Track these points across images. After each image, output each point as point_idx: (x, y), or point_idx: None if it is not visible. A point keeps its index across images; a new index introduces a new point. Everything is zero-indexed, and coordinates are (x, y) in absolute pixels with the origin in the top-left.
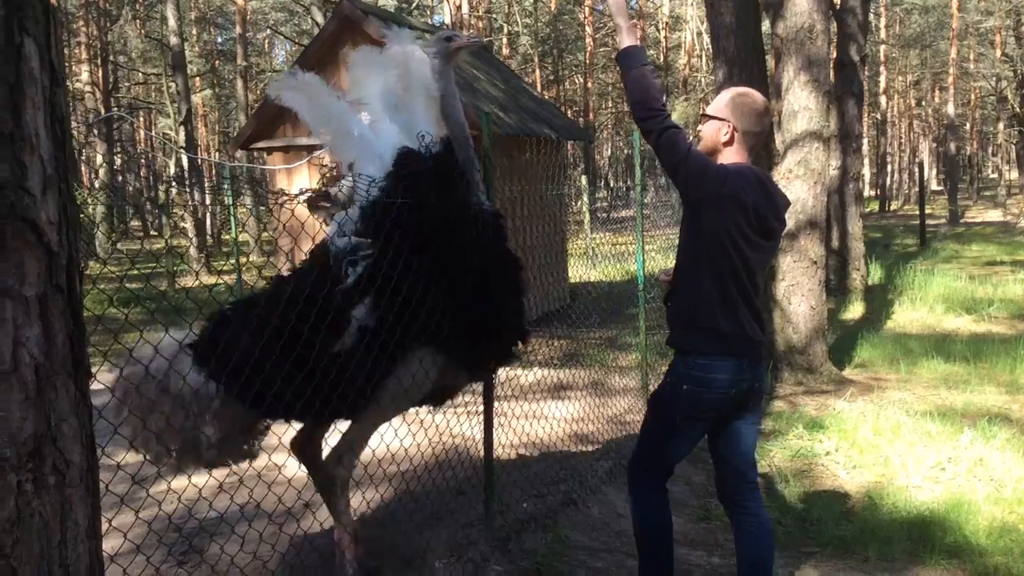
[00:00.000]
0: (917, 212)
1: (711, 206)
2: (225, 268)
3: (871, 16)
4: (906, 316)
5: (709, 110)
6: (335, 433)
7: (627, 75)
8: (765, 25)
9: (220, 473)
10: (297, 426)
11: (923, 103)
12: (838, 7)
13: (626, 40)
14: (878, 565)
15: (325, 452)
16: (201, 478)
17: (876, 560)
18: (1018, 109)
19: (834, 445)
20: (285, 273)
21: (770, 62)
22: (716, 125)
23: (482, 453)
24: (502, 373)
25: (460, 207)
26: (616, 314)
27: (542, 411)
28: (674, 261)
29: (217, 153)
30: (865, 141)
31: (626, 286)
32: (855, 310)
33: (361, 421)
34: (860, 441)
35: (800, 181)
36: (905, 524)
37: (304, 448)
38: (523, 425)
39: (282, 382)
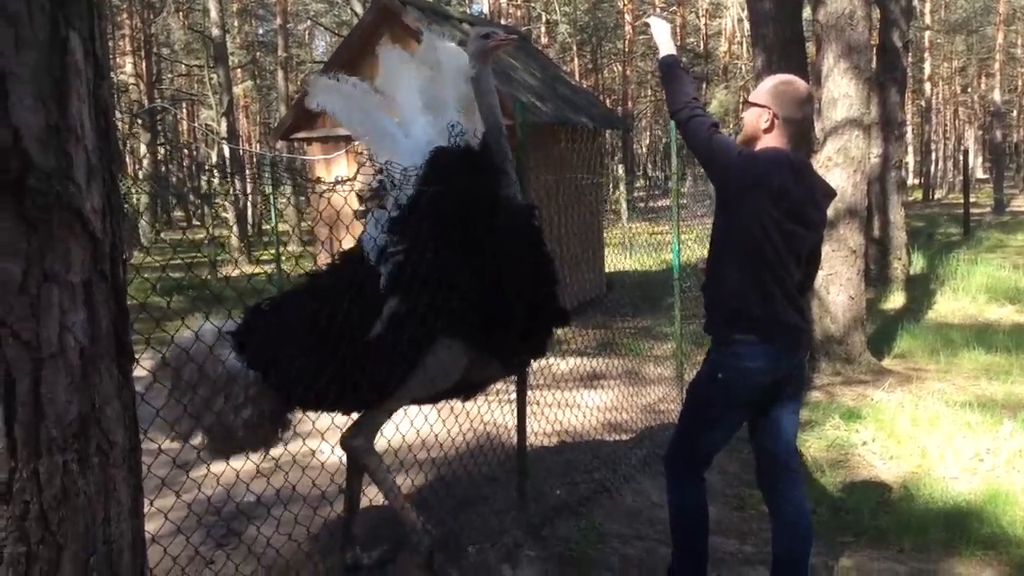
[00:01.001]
0: (961, 201)
1: (739, 192)
2: (265, 257)
3: (915, 1)
4: (948, 306)
5: (751, 97)
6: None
7: (668, 75)
8: (806, 12)
9: (257, 458)
10: (330, 416)
11: (969, 89)
12: None
13: (666, 50)
14: (913, 556)
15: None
16: (238, 463)
17: (911, 550)
18: None
19: (871, 435)
20: (323, 264)
21: (811, 49)
22: (757, 112)
23: (515, 441)
24: (535, 362)
25: (491, 201)
26: (652, 303)
27: (576, 400)
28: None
29: (258, 144)
30: (909, 128)
31: (663, 275)
32: (896, 300)
33: (383, 401)
34: (898, 431)
35: (839, 169)
36: (941, 515)
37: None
38: (556, 413)
39: (315, 372)
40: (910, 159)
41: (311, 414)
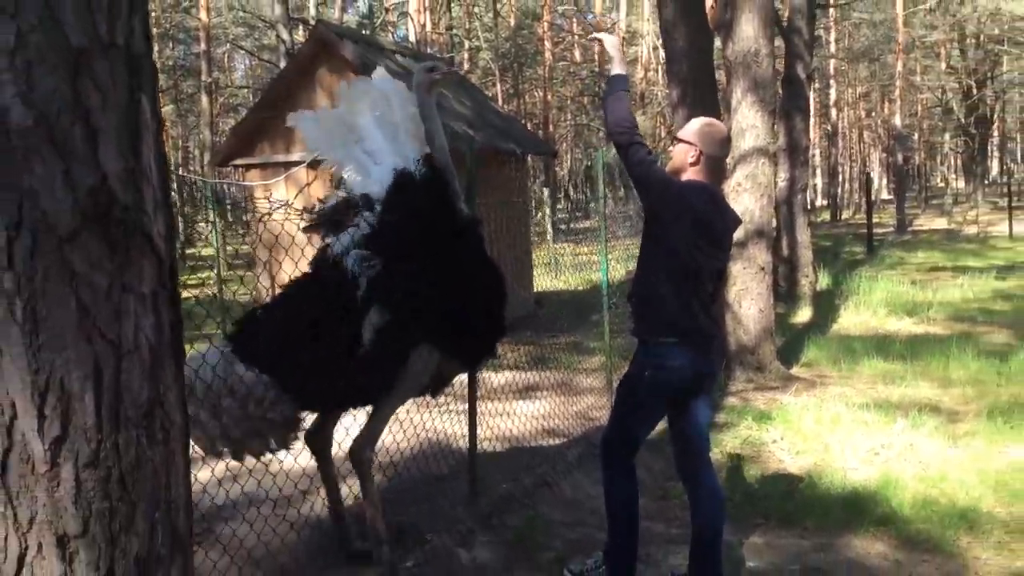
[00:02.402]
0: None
1: (668, 216)
2: (191, 282)
3: (822, 30)
4: (851, 319)
5: (680, 134)
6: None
7: (610, 95)
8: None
9: (226, 464)
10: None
11: (873, 114)
12: (785, 26)
13: (617, 68)
14: (816, 533)
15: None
16: (206, 470)
17: (814, 529)
18: (963, 119)
19: (780, 434)
20: (304, 271)
21: (722, 78)
22: (685, 148)
23: (460, 445)
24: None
25: (449, 217)
26: (580, 320)
27: (513, 409)
28: (634, 267)
29: (180, 168)
30: (817, 152)
31: (588, 293)
32: (804, 314)
33: (378, 410)
34: (803, 430)
35: (748, 194)
36: (841, 499)
37: (315, 438)
38: (496, 421)
39: (317, 379)
40: (819, 181)
41: None
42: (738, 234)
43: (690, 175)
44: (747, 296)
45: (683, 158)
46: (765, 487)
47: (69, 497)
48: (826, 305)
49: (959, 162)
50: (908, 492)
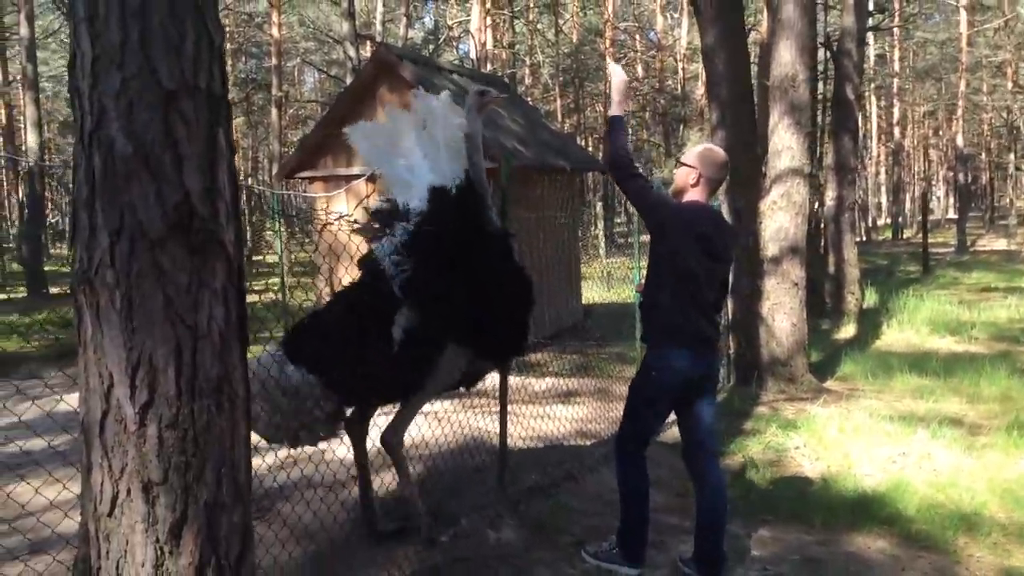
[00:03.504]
0: (930, 240)
1: (671, 232)
2: (256, 287)
3: (886, 48)
4: (893, 336)
5: (683, 159)
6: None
7: (611, 134)
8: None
9: (288, 452)
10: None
11: (940, 132)
12: (836, 48)
13: (615, 110)
14: (821, 530)
15: (373, 432)
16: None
17: (820, 526)
18: None
19: (803, 441)
20: (349, 282)
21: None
22: (686, 171)
23: (495, 442)
24: (515, 379)
25: (479, 230)
26: (626, 331)
27: (551, 412)
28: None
29: (250, 179)
30: (883, 170)
31: (636, 306)
32: (847, 331)
33: (409, 403)
34: (826, 438)
35: (783, 212)
36: (850, 500)
37: (354, 428)
38: (534, 423)
39: (358, 376)
40: (883, 200)
41: None
42: (772, 250)
43: (691, 195)
44: (780, 310)
45: (685, 180)
46: (779, 488)
47: (153, 452)
48: (871, 322)
49: None
50: (916, 496)
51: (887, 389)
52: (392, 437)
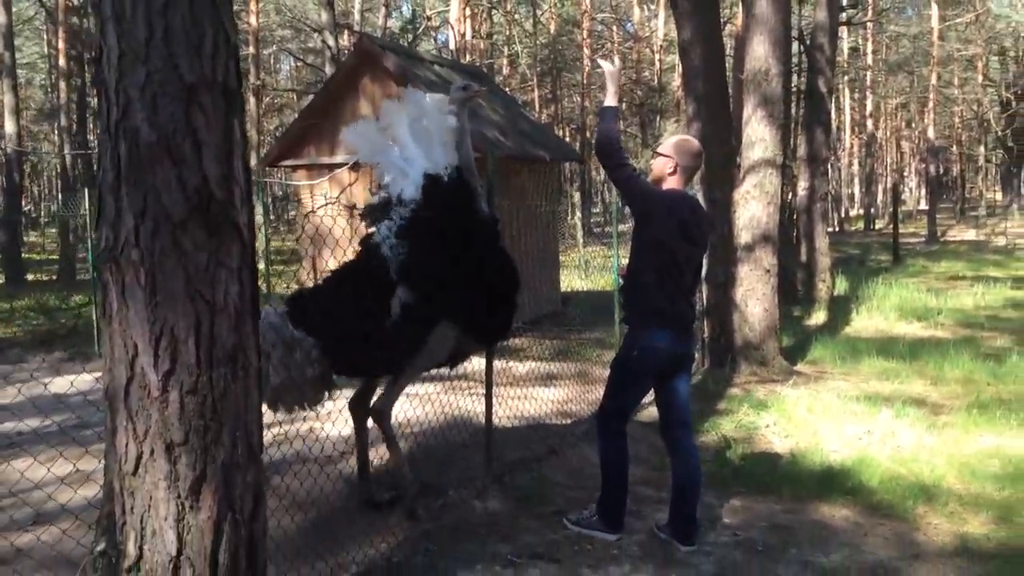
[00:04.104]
0: (901, 230)
1: (652, 219)
2: None
3: (860, 41)
4: (862, 323)
5: (659, 149)
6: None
7: (602, 124)
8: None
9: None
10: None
11: (912, 124)
12: (808, 43)
13: (610, 100)
14: (789, 500)
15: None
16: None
17: (789, 497)
18: (1000, 132)
19: (773, 420)
20: (349, 258)
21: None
22: (663, 160)
23: (482, 420)
24: (498, 363)
25: (470, 216)
26: (604, 317)
27: (533, 394)
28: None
29: None
30: (856, 162)
31: (613, 294)
32: (818, 317)
33: (399, 377)
34: (795, 417)
35: (756, 201)
36: (817, 474)
37: (355, 406)
38: (516, 404)
39: (351, 347)
40: (856, 191)
41: None
42: (746, 238)
43: (669, 183)
44: (753, 296)
45: (662, 169)
46: (751, 463)
47: (175, 415)
48: (841, 309)
49: (996, 174)
50: (879, 470)
51: (855, 372)
52: (383, 408)
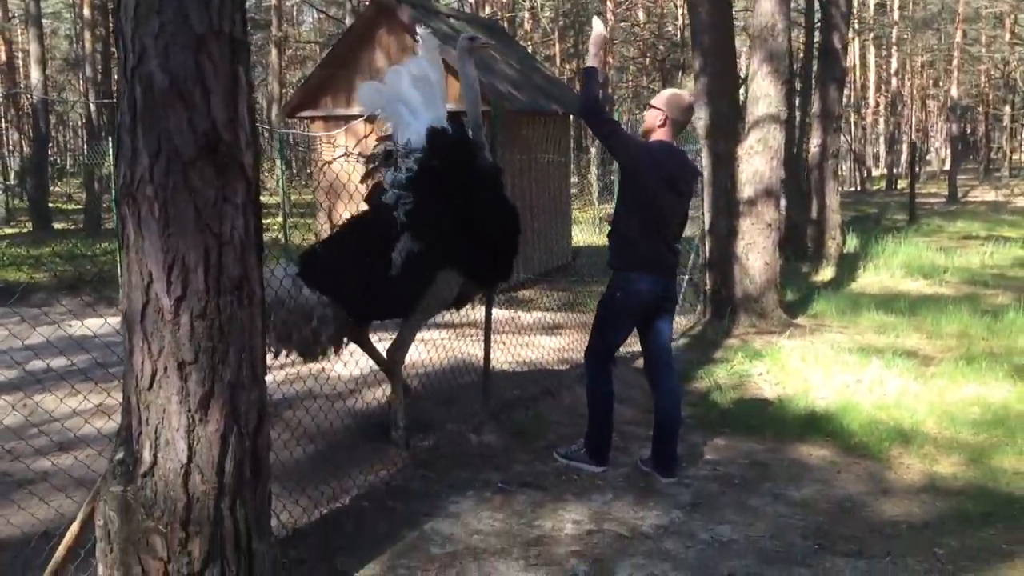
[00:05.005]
0: (923, 190)
1: (638, 170)
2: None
3: None
4: (869, 279)
5: (652, 101)
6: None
7: (585, 85)
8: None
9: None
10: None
11: (939, 83)
12: None
13: (592, 62)
14: (771, 440)
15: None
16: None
17: (771, 438)
18: None
19: (766, 368)
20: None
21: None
22: (655, 112)
23: (482, 363)
24: (505, 312)
25: (472, 166)
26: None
27: (535, 342)
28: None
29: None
30: (881, 120)
31: None
32: (826, 273)
33: (409, 321)
34: (788, 366)
35: (759, 156)
36: (802, 417)
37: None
38: (518, 350)
39: (363, 293)
40: (881, 149)
41: None
42: (748, 193)
43: (658, 135)
44: (754, 249)
45: (653, 121)
46: (739, 407)
47: (186, 336)
48: (849, 266)
49: (1022, 135)
50: (862, 415)
51: (853, 325)
52: (395, 352)
